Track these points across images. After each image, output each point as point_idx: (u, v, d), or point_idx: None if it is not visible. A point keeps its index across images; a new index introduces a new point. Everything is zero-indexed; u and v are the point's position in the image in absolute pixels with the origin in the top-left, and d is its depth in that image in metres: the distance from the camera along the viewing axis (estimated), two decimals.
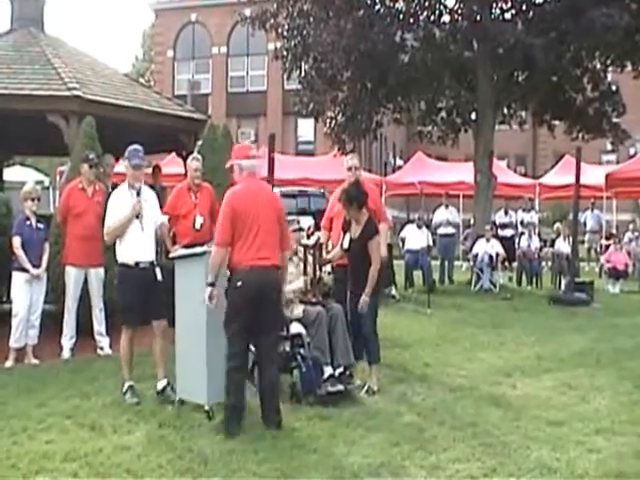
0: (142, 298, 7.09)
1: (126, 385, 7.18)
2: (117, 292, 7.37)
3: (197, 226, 9.07)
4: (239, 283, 6.16)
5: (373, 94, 18.10)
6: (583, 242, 23.12)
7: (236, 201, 6.28)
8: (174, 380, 7.01)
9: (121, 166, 8.50)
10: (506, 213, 20.42)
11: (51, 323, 9.27)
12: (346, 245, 7.68)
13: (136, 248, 7.19)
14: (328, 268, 8.28)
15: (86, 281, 9.01)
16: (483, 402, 7.22)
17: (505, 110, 19.66)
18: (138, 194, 7.27)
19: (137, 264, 7.16)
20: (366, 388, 7.44)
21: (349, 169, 8.54)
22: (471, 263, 17.64)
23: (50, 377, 7.95)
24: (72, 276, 8.96)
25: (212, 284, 6.23)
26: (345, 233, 7.73)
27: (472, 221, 19.56)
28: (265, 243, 6.28)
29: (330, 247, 8.38)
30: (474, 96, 18.34)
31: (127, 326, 7.25)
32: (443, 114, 19.81)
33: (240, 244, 6.19)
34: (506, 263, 18.24)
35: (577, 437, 6.14)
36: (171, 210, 9.20)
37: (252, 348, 7.48)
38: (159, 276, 7.21)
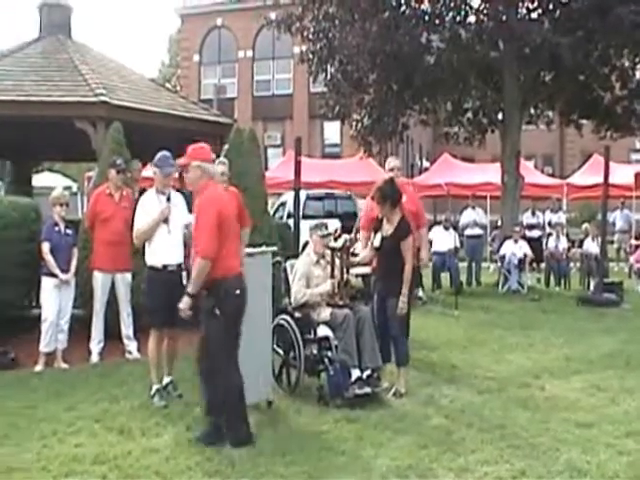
0: (169, 301, 7.13)
1: (154, 388, 7.24)
2: (145, 295, 7.48)
3: None
4: (237, 291, 5.95)
5: (399, 96, 18.05)
6: (612, 242, 22.89)
7: (220, 207, 6.01)
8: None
9: (149, 171, 8.59)
10: (533, 214, 20.28)
11: (80, 327, 9.35)
12: (377, 243, 7.66)
13: (164, 251, 7.29)
14: (359, 270, 8.29)
15: (114, 286, 9.07)
16: (511, 404, 7.19)
17: (532, 110, 19.50)
18: (168, 199, 7.41)
19: (165, 267, 7.25)
20: (394, 390, 7.44)
21: (391, 170, 8.73)
22: (498, 264, 17.54)
23: (79, 381, 8.02)
24: (99, 281, 9.02)
25: (195, 295, 5.92)
26: (376, 232, 7.73)
27: (499, 222, 19.46)
28: (240, 248, 6.35)
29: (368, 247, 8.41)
30: (500, 96, 18.24)
31: (154, 329, 7.33)
32: (469, 115, 19.69)
33: (225, 251, 5.92)
34: (534, 264, 18.12)
35: (607, 439, 6.09)
36: None
37: (279, 351, 7.55)
38: (185, 280, 7.26)
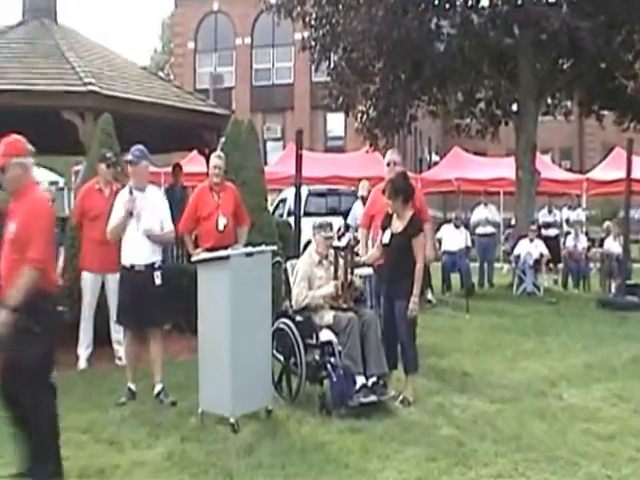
0: (137, 302, 7.45)
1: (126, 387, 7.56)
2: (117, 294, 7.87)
3: (220, 227, 9.08)
4: (60, 307, 5.61)
5: (407, 85, 18.03)
6: (638, 241, 22.83)
7: (51, 211, 5.70)
8: (196, 390, 7.04)
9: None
10: (550, 211, 20.23)
11: (66, 332, 9.31)
12: (386, 240, 7.64)
13: (130, 250, 7.56)
14: (362, 271, 8.27)
15: (103, 287, 9.06)
16: (527, 414, 7.17)
17: (549, 100, 19.50)
18: (131, 192, 7.57)
19: (132, 267, 7.51)
20: (401, 399, 7.42)
21: (388, 164, 8.69)
22: (513, 265, 17.54)
23: (65, 389, 7.92)
24: (88, 282, 9.02)
25: (17, 309, 5.19)
26: (384, 230, 7.72)
27: (513, 220, 19.44)
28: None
29: (368, 247, 8.39)
30: (515, 86, 18.22)
31: (124, 328, 7.76)
32: (482, 105, 19.69)
33: (50, 260, 5.56)
34: (551, 265, 18.10)
35: (629, 452, 6.08)
36: (193, 211, 9.25)
37: (279, 357, 7.55)
38: (157, 280, 7.40)
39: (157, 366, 7.65)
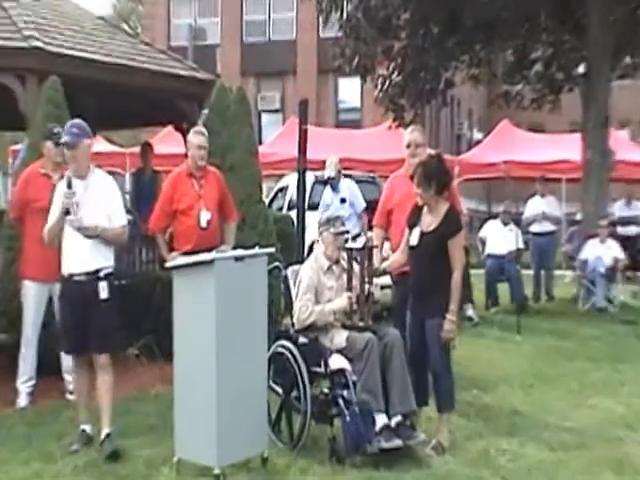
0: (79, 319, 7.40)
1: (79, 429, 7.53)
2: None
3: (203, 223, 9.11)
4: None
5: (441, 42, 18.03)
6: None
7: None
8: (171, 432, 7.06)
9: (101, 144, 8.66)
10: (629, 203, 20.22)
11: (2, 359, 9.35)
12: (415, 241, 7.57)
13: (68, 256, 7.46)
14: (383, 280, 8.26)
15: (51, 301, 9.04)
16: (596, 465, 7.15)
17: (627, 59, 19.42)
18: (69, 185, 7.36)
19: (71, 276, 7.44)
20: (433, 444, 7.43)
21: (408, 145, 8.60)
22: (578, 272, 17.51)
23: (2, 433, 8.03)
24: (32, 294, 8.96)
25: None
26: (412, 228, 7.68)
27: (579, 215, 19.40)
28: None
29: (386, 252, 8.37)
30: (582, 41, 18.16)
31: (67, 354, 7.80)
32: (538, 67, 19.67)
33: None
34: (629, 273, 18.07)
35: None
36: (167, 204, 9.25)
37: (277, 389, 7.58)
38: (103, 293, 7.32)
39: (104, 406, 7.45)
